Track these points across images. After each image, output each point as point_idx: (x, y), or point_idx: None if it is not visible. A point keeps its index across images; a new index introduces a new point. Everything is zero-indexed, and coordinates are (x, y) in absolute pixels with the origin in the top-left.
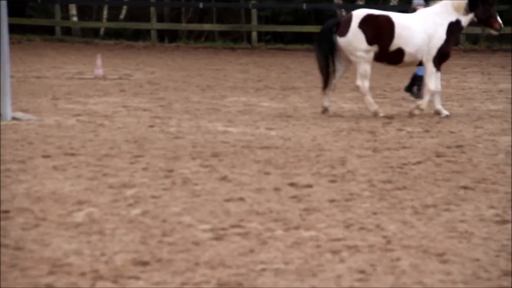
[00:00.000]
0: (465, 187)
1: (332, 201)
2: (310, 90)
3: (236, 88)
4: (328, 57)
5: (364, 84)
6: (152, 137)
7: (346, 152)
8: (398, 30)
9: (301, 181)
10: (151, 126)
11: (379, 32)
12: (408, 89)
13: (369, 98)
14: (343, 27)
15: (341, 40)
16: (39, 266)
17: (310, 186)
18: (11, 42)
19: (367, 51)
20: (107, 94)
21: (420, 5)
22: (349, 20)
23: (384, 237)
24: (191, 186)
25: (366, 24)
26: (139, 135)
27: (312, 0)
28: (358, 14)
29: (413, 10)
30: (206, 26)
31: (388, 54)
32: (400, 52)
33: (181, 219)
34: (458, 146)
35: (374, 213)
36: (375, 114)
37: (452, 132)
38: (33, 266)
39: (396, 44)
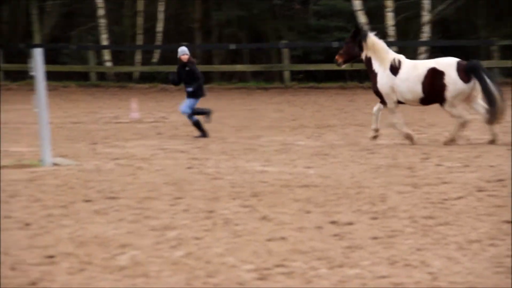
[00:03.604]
0: (508, 222)
1: (374, 238)
2: (346, 128)
3: (271, 127)
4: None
5: None
6: (191, 178)
7: (385, 188)
8: None
9: (342, 218)
10: (189, 168)
11: None
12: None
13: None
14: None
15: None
16: None
17: (351, 223)
18: (47, 89)
19: None
20: (144, 137)
21: (186, 54)
22: None
23: (430, 273)
24: (232, 226)
25: None
26: (178, 177)
27: (342, 39)
28: None
29: (180, 60)
30: (238, 67)
31: None
32: None
33: (224, 260)
34: (499, 180)
35: (418, 250)
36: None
37: (491, 166)
38: None
39: None
